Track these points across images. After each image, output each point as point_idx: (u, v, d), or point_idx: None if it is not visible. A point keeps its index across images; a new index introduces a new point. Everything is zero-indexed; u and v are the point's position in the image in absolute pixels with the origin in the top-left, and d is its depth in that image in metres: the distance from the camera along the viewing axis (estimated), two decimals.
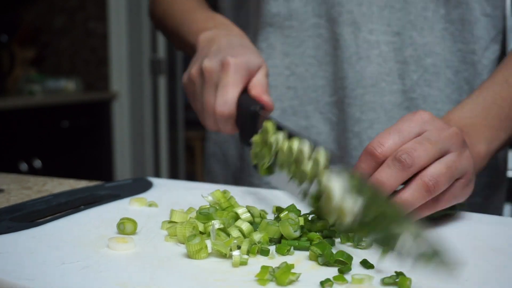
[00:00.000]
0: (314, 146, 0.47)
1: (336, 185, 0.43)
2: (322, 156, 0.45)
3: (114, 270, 0.39)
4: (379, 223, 0.40)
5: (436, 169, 0.46)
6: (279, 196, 0.59)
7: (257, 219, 0.48)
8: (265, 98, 0.60)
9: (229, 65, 0.60)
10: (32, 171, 2.42)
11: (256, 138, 0.56)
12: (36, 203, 0.56)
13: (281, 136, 0.52)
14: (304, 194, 0.49)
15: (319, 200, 0.46)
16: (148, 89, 3.17)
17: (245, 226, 0.45)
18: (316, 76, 0.75)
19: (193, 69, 0.64)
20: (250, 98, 0.60)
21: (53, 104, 2.61)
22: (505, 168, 0.82)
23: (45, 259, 0.40)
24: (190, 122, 3.66)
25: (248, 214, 0.47)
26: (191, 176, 3.75)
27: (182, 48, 0.81)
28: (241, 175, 0.83)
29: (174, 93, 3.37)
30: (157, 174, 3.25)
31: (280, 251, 0.43)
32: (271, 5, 0.75)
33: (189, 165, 3.79)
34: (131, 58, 3.03)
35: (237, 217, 0.47)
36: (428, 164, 0.46)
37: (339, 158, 0.72)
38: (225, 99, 0.60)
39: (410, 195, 0.45)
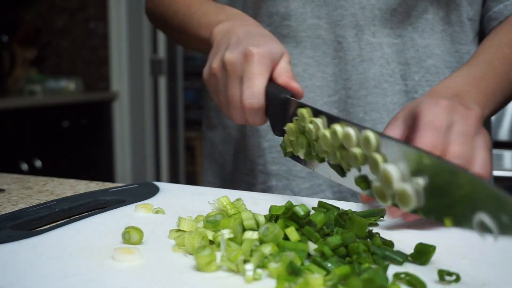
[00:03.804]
0: (360, 128, 0.44)
1: (394, 168, 0.39)
2: (372, 136, 0.42)
3: (119, 284, 0.37)
4: (451, 197, 0.35)
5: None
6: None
7: None
8: (294, 84, 0.58)
9: (253, 55, 0.57)
10: (33, 171, 2.41)
11: (290, 126, 0.54)
12: (38, 210, 0.53)
13: (320, 121, 0.49)
14: (355, 181, 0.46)
15: (370, 185, 0.43)
16: (148, 89, 3.16)
17: (256, 237, 0.42)
18: (314, 76, 0.75)
19: (214, 63, 0.61)
20: (278, 87, 0.58)
21: (54, 104, 2.60)
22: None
23: (46, 271, 0.38)
24: (190, 122, 3.65)
25: (253, 221, 0.44)
26: (191, 176, 3.74)
27: (190, 43, 0.78)
28: (234, 174, 0.83)
29: (174, 93, 3.36)
30: (157, 174, 3.23)
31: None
32: (269, 5, 0.75)
33: (189, 165, 3.77)
34: (131, 58, 3.01)
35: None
36: None
37: None
38: (253, 91, 0.57)
39: None
